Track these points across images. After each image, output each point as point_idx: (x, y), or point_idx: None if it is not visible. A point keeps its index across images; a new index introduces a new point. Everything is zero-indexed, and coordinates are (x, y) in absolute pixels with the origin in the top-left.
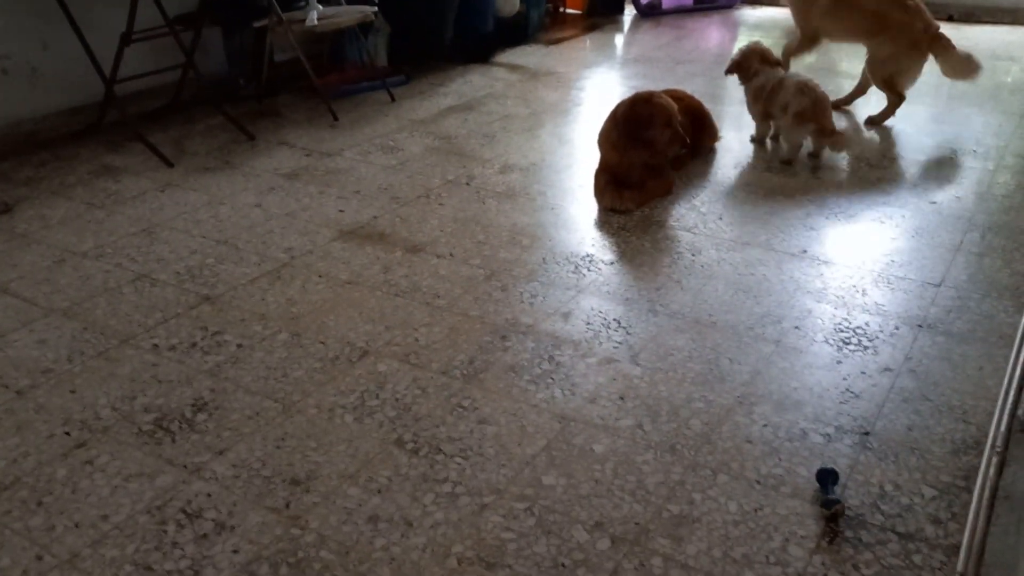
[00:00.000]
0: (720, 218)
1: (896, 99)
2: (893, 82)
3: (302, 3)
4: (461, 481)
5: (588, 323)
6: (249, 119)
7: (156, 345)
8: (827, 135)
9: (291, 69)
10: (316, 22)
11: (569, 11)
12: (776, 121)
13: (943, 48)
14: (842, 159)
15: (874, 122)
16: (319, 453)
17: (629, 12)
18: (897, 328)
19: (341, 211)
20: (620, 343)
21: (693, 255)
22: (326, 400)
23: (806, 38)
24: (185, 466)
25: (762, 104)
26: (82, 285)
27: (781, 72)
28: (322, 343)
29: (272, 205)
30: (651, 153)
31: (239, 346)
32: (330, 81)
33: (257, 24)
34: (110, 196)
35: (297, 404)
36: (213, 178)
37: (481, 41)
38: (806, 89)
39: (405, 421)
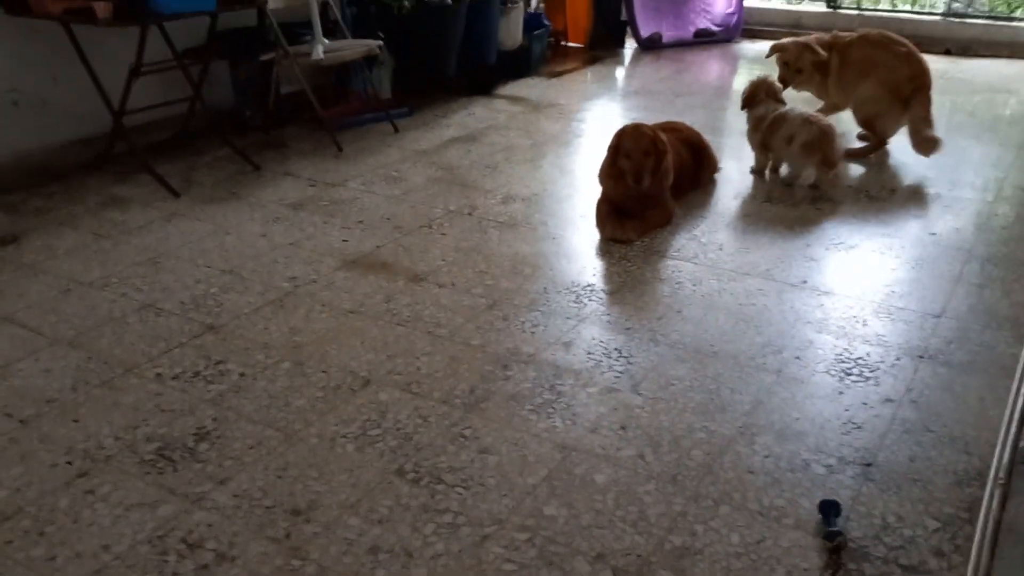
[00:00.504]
0: (720, 248)
1: (876, 141)
2: (872, 124)
3: (308, 37)
4: (462, 511)
5: (589, 352)
6: (255, 150)
7: (160, 374)
8: (830, 166)
9: (297, 101)
10: (322, 56)
11: (571, 44)
12: (777, 153)
13: (920, 107)
14: (842, 191)
15: (851, 154)
16: (320, 483)
17: (630, 46)
18: (898, 359)
19: (345, 241)
20: (621, 373)
21: (694, 285)
22: (327, 429)
23: (830, 107)
24: (187, 496)
25: (760, 135)
26: (87, 315)
27: (783, 107)
28: (324, 372)
29: (277, 235)
30: (627, 183)
31: (242, 375)
32: (335, 113)
33: (264, 58)
34: (117, 226)
35: (299, 433)
36: (219, 208)
37: (484, 74)
38: (813, 120)
39: (406, 451)
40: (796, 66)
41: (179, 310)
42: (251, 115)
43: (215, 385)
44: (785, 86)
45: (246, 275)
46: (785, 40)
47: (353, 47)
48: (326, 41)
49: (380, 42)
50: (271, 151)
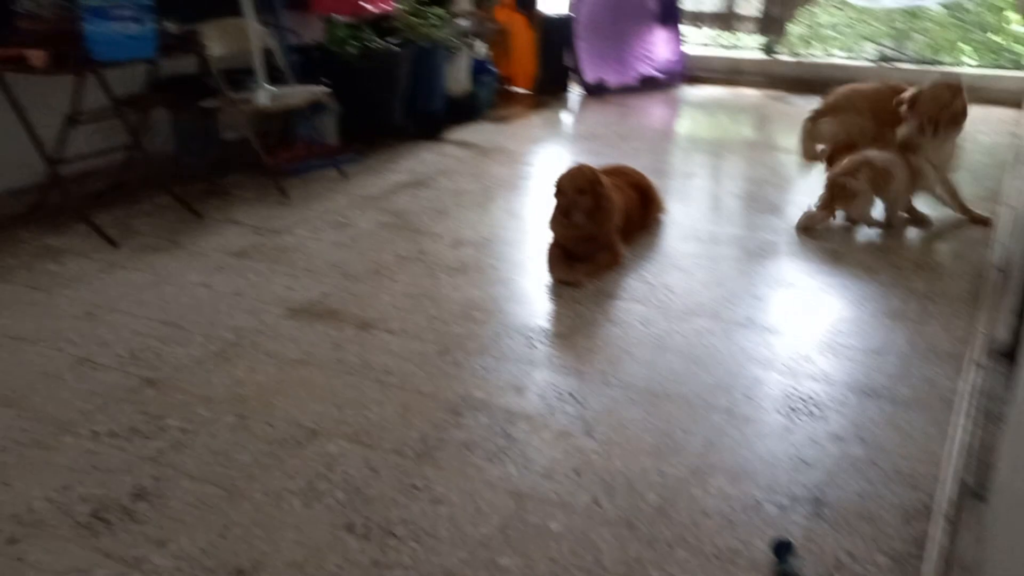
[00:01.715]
0: (669, 289)
1: None
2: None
3: (251, 84)
4: (414, 565)
5: (542, 397)
6: (197, 198)
7: (96, 432)
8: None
9: (240, 148)
10: (266, 102)
11: (517, 90)
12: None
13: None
14: (785, 232)
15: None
16: (265, 541)
17: (576, 91)
18: (844, 395)
19: (291, 289)
20: (574, 416)
21: (644, 326)
22: (273, 485)
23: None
24: (124, 559)
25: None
26: (20, 371)
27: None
28: (269, 425)
29: (220, 284)
30: (569, 222)
31: (183, 431)
32: (280, 160)
33: (206, 105)
34: (52, 278)
35: (243, 490)
36: (159, 258)
37: (431, 119)
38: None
39: (356, 504)
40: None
41: (117, 364)
42: (193, 163)
43: (154, 442)
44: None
45: (187, 326)
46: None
47: (298, 94)
48: (270, 88)
49: (326, 88)
50: (214, 199)
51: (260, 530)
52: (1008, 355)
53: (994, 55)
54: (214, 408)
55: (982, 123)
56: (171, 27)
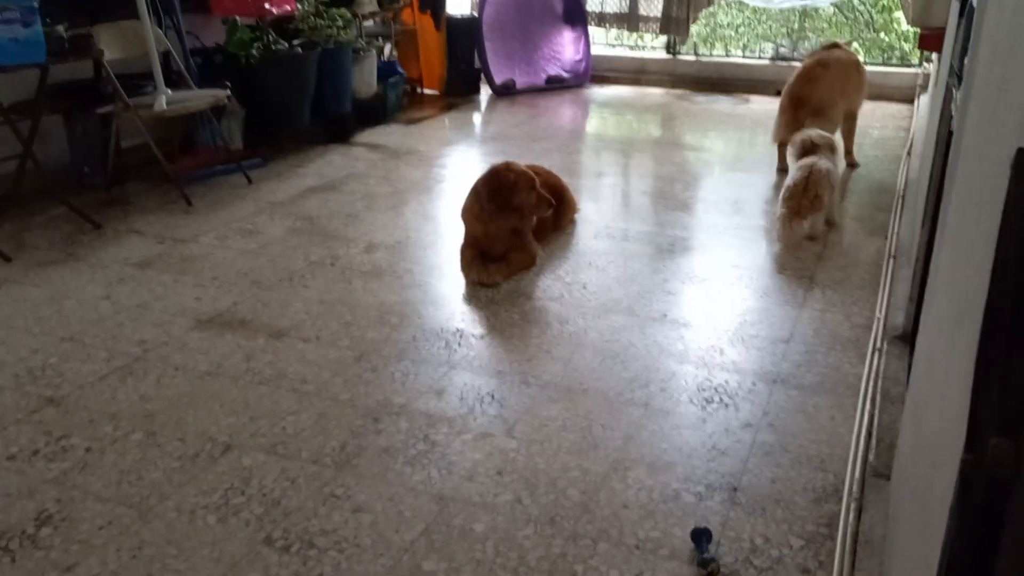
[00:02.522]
0: (584, 287)
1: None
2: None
3: (149, 88)
4: (337, 575)
5: (462, 399)
6: (95, 208)
7: None
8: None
9: (140, 155)
10: (165, 107)
11: (426, 91)
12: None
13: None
14: (694, 227)
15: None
16: (180, 560)
17: (485, 92)
18: (754, 384)
19: (198, 299)
20: (495, 417)
21: (561, 324)
22: (186, 502)
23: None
24: None
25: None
26: None
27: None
28: (180, 440)
29: (122, 296)
30: (520, 218)
31: (88, 450)
32: (182, 166)
33: (101, 111)
34: None
35: (154, 509)
36: (56, 271)
37: (339, 122)
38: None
39: (274, 517)
40: None
41: (13, 384)
42: (89, 171)
43: (57, 463)
44: None
45: (88, 342)
46: None
47: (199, 97)
48: (169, 92)
49: (227, 92)
50: (113, 208)
51: (174, 548)
52: (906, 339)
53: (884, 53)
54: (121, 425)
55: (875, 118)
56: (62, 31)
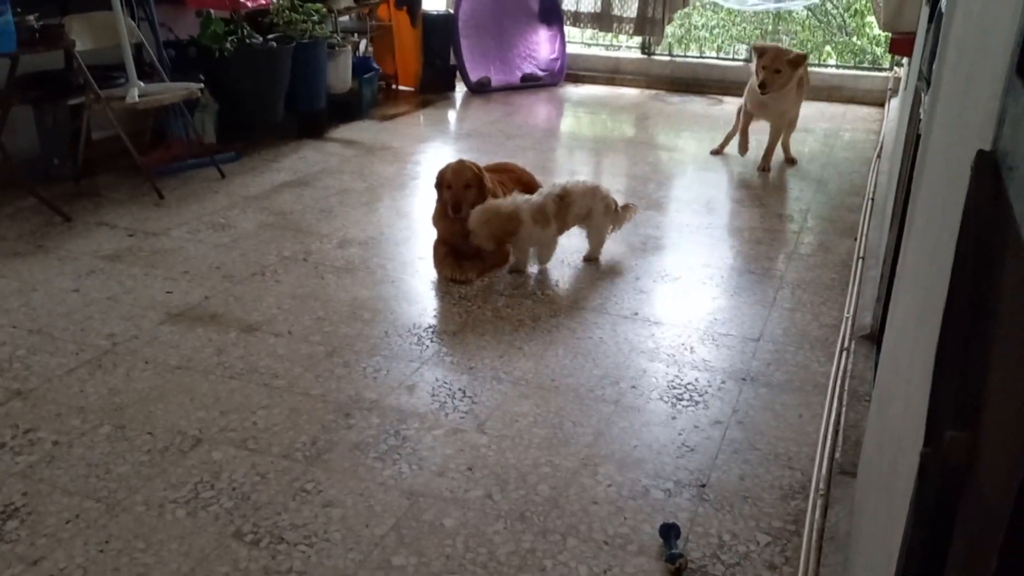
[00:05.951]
0: (556, 284)
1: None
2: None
3: (121, 80)
4: (306, 570)
5: (433, 395)
6: (65, 200)
7: None
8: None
9: (111, 147)
10: (137, 99)
11: (401, 88)
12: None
13: None
14: (667, 226)
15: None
16: (148, 554)
17: (460, 89)
18: (724, 382)
19: (169, 292)
20: (466, 413)
21: (533, 321)
22: (155, 495)
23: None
24: None
25: None
26: None
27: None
28: (150, 434)
29: (92, 289)
30: (455, 212)
31: (55, 443)
32: (154, 159)
33: (72, 102)
34: None
35: (122, 502)
36: (24, 263)
37: (314, 117)
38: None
39: (244, 511)
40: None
41: None
42: (59, 163)
43: (24, 456)
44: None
45: (57, 334)
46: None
47: (171, 90)
48: (141, 84)
49: (201, 85)
50: (83, 200)
51: (142, 543)
52: (873, 339)
53: (856, 56)
54: (89, 418)
55: (846, 121)
56: (33, 20)
